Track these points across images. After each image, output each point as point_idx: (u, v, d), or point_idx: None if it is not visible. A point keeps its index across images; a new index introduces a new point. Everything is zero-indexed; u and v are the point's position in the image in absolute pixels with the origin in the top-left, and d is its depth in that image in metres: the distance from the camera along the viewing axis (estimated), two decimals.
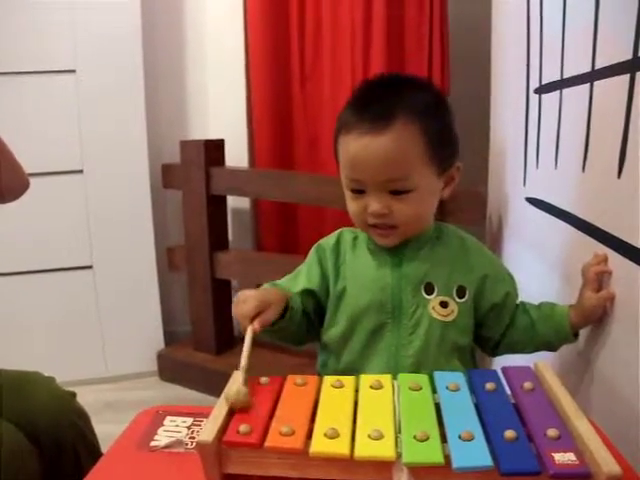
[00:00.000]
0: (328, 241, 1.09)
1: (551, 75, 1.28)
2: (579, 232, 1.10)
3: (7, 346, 2.30)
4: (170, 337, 2.61)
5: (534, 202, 1.40)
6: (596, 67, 1.02)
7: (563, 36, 1.20)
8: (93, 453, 1.24)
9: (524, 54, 1.49)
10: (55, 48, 2.27)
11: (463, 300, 1.01)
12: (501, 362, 1.08)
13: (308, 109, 2.43)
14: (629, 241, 0.90)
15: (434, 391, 0.78)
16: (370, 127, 0.93)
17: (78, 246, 2.40)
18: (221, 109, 2.62)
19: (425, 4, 2.14)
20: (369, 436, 0.68)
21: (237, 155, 2.50)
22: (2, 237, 2.30)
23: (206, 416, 0.74)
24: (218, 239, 2.42)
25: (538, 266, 1.35)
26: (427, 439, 0.67)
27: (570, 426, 0.70)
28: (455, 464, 0.64)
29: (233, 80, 2.55)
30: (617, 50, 0.93)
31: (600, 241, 1.01)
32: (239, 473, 0.70)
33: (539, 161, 1.37)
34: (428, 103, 0.98)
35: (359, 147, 0.94)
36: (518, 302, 1.07)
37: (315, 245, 1.10)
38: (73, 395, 1.26)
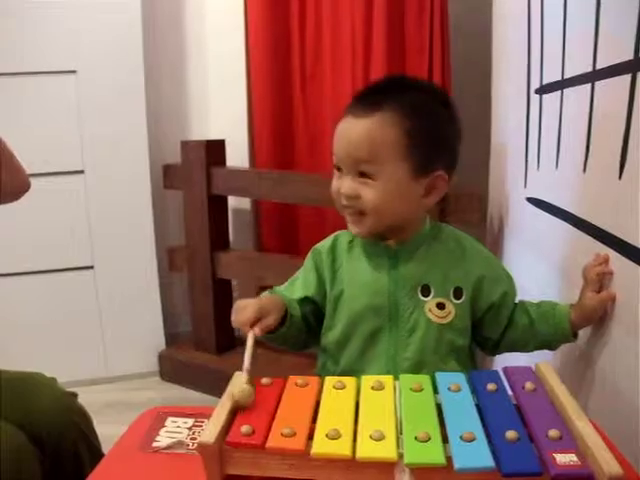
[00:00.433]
0: (324, 245, 1.09)
1: (552, 75, 1.28)
2: (580, 232, 1.10)
3: (8, 347, 2.30)
4: (171, 337, 2.61)
5: (535, 202, 1.40)
6: (597, 67, 1.02)
7: (564, 36, 1.20)
8: (94, 454, 1.23)
9: (525, 54, 1.49)
10: (56, 49, 2.26)
11: (460, 301, 1.01)
12: (501, 362, 1.08)
13: (309, 110, 2.43)
14: (630, 241, 0.90)
15: (435, 392, 0.78)
16: (358, 111, 0.97)
17: (79, 246, 2.40)
18: (222, 109, 2.62)
19: (426, 5, 2.14)
20: (371, 437, 0.68)
21: (238, 155, 2.49)
22: (3, 237, 2.30)
23: (207, 417, 0.74)
24: (219, 239, 2.42)
25: (538, 266, 1.35)
26: (429, 440, 0.67)
27: (571, 427, 0.70)
28: (457, 465, 0.64)
29: (234, 81, 2.54)
30: (618, 50, 0.93)
31: (601, 241, 1.01)
32: (240, 474, 0.71)
33: (540, 161, 1.38)
34: (424, 103, 0.98)
35: (343, 126, 0.98)
36: (517, 301, 1.07)
37: (312, 249, 1.10)
38: (74, 395, 1.26)
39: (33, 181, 2.21)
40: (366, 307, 1.00)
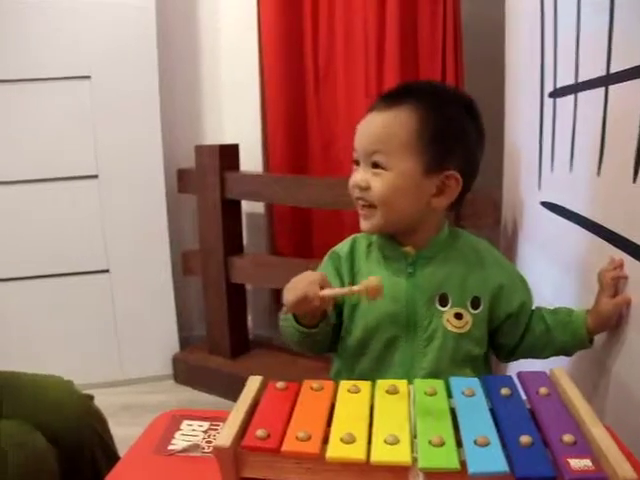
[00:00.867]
0: (342, 248, 1.08)
1: (565, 79, 1.28)
2: (594, 236, 1.10)
3: (24, 350, 2.32)
4: (185, 341, 2.63)
5: (549, 206, 1.40)
6: (611, 71, 1.02)
7: (577, 39, 1.20)
8: (110, 456, 1.24)
9: (538, 58, 1.49)
10: (70, 54, 2.29)
11: (478, 311, 1.00)
12: (516, 369, 1.08)
13: (322, 113, 2.44)
14: None
15: (449, 396, 0.78)
16: (379, 106, 0.99)
17: (94, 250, 2.42)
18: (235, 114, 2.64)
19: (438, 8, 2.14)
20: (385, 441, 0.68)
21: (251, 160, 2.51)
22: (20, 241, 2.33)
23: (222, 420, 0.75)
24: (233, 243, 2.43)
25: (553, 270, 1.35)
26: (443, 444, 0.67)
27: (586, 431, 0.70)
28: (471, 469, 0.64)
29: (247, 85, 2.56)
30: (632, 54, 0.92)
31: (616, 246, 1.00)
32: (255, 477, 0.71)
33: (554, 165, 1.37)
34: (443, 103, 0.99)
35: (364, 121, 1.01)
36: (534, 308, 1.07)
37: (329, 252, 1.09)
38: (91, 398, 1.28)
39: (48, 186, 2.26)
40: (384, 314, 1.00)
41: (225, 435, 0.70)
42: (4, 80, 2.24)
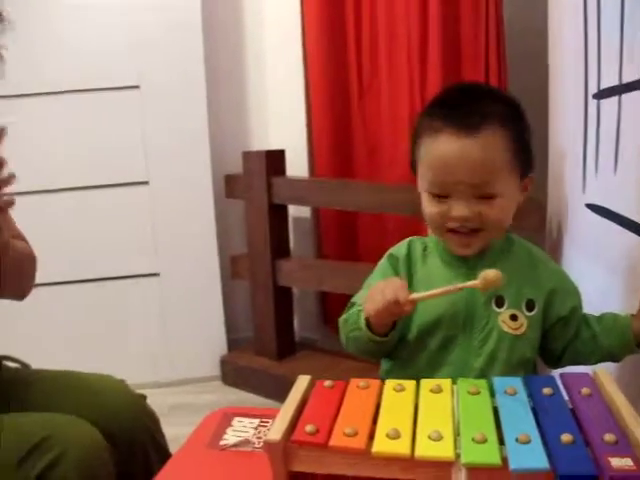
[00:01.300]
0: (399, 250, 1.08)
1: (610, 80, 1.28)
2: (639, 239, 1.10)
3: (78, 350, 2.40)
4: (233, 343, 2.68)
5: (594, 208, 1.39)
6: None
7: (621, 40, 1.19)
8: (162, 455, 1.26)
9: (582, 59, 1.49)
10: (120, 66, 2.38)
11: (532, 313, 1.01)
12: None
13: (367, 119, 2.46)
14: None
15: (492, 395, 0.80)
16: (461, 130, 0.94)
17: (145, 254, 2.50)
18: (281, 120, 2.68)
19: (481, 12, 2.14)
20: (429, 437, 0.70)
21: (297, 165, 2.55)
22: (73, 246, 2.42)
23: (272, 417, 0.78)
24: (280, 247, 2.47)
25: (599, 274, 1.34)
26: (485, 441, 0.69)
27: (628, 432, 0.71)
28: (512, 466, 0.66)
29: (293, 92, 2.60)
30: None
31: None
32: (304, 471, 0.74)
33: (598, 166, 1.37)
34: (511, 112, 1.00)
35: (451, 149, 0.95)
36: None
37: (386, 255, 1.09)
38: (144, 398, 1.31)
39: (101, 193, 2.36)
40: (441, 316, 1.00)
41: (276, 430, 0.73)
42: (57, 92, 2.34)
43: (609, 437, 0.69)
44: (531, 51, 2.09)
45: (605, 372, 0.85)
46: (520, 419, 0.74)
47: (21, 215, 1.20)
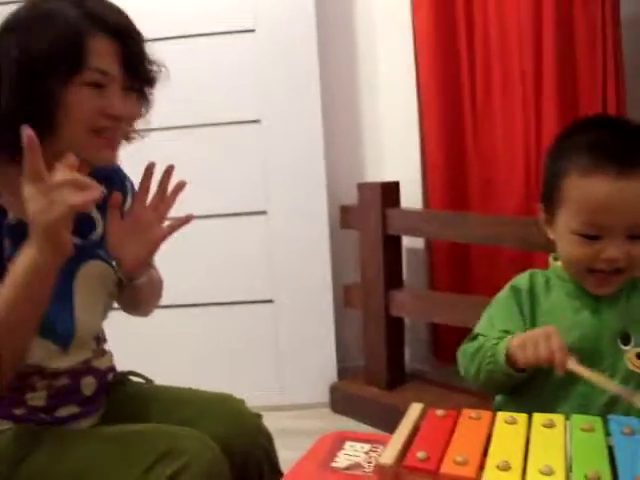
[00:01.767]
0: (521, 282, 1.08)
1: None
2: None
3: (193, 371, 2.49)
4: (343, 371, 2.69)
5: None
6: None
7: None
8: (275, 473, 1.31)
9: None
10: (242, 100, 2.51)
11: None
12: None
13: (481, 151, 2.45)
14: None
15: (607, 434, 0.79)
16: (619, 172, 0.93)
17: (260, 281, 2.58)
18: (396, 153, 2.70)
19: (597, 38, 2.10)
20: (540, 471, 0.70)
21: (412, 197, 2.56)
22: (193, 271, 2.53)
23: (383, 443, 0.80)
24: (393, 278, 2.48)
25: None
26: (598, 479, 0.69)
27: None
28: None
29: (407, 125, 2.63)
30: None
31: None
32: None
33: None
34: None
35: (609, 191, 0.94)
36: None
37: (508, 286, 1.09)
38: (260, 417, 1.36)
39: (221, 222, 2.49)
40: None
41: (388, 455, 0.76)
42: (179, 126, 2.48)
43: None
44: None
45: None
46: (637, 460, 0.72)
47: None
